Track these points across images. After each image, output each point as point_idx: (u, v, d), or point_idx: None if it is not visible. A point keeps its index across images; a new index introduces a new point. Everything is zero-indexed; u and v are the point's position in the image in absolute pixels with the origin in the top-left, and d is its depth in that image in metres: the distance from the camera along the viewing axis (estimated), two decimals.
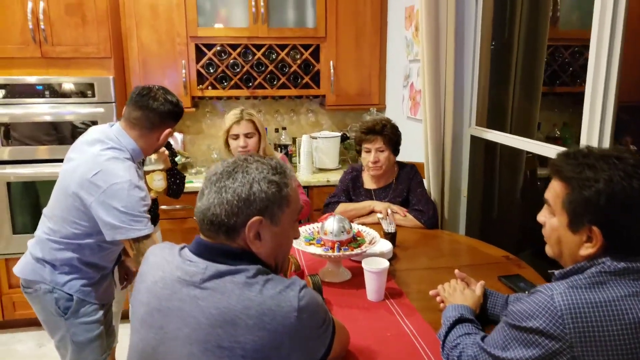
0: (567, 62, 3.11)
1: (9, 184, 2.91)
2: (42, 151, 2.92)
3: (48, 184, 2.93)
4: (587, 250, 1.08)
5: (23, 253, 2.90)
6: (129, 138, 1.77)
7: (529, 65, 2.72)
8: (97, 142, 1.74)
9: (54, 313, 1.79)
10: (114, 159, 1.70)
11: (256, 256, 1.09)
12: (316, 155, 3.43)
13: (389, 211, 2.19)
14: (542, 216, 1.20)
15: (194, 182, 3.06)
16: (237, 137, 2.31)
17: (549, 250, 1.20)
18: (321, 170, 3.45)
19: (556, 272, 1.17)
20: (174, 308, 1.03)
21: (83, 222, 1.71)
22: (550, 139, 3.17)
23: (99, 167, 1.66)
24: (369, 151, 2.27)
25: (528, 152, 2.62)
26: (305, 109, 3.72)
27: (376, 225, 2.22)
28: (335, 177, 3.24)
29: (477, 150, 2.74)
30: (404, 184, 2.35)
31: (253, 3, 3.20)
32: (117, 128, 1.78)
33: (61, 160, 2.88)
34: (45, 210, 1.84)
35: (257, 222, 1.06)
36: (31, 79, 2.84)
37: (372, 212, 2.30)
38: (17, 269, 1.83)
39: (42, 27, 2.80)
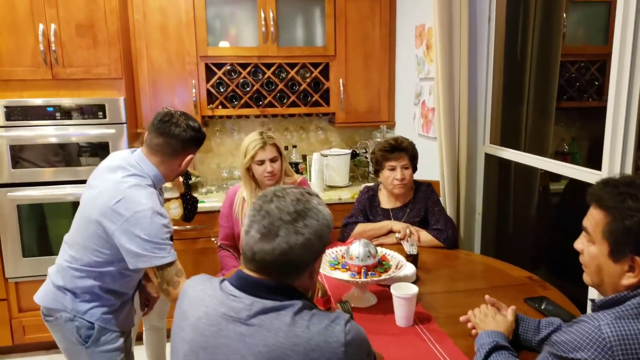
0: (574, 77, 3.13)
1: (19, 207, 2.88)
2: (53, 173, 2.90)
3: (59, 207, 2.93)
4: (629, 280, 1.08)
5: (33, 277, 2.93)
6: (150, 164, 1.75)
7: (542, 81, 2.72)
8: (119, 169, 1.72)
9: (75, 342, 1.75)
10: (136, 186, 1.68)
11: (295, 289, 1.09)
12: (327, 173, 3.42)
13: (409, 231, 2.18)
14: (580, 244, 1.19)
15: (205, 202, 3.04)
16: (262, 162, 2.29)
17: (587, 278, 1.19)
18: (331, 187, 3.44)
19: (596, 299, 1.16)
20: (220, 345, 1.01)
21: (105, 249, 1.69)
22: (559, 154, 3.18)
23: (121, 195, 1.65)
24: (393, 169, 2.26)
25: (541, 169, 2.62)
26: (315, 126, 3.72)
27: (395, 246, 2.21)
28: (346, 195, 3.23)
29: (491, 167, 2.73)
30: (421, 203, 2.34)
31: (263, 22, 3.21)
32: (139, 154, 1.77)
33: (72, 182, 2.93)
34: (66, 237, 1.82)
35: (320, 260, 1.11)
36: (42, 101, 2.83)
37: (390, 231, 2.28)
38: (38, 297, 1.81)
39: (54, 48, 2.80)
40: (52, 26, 2.78)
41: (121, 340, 1.82)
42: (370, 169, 3.53)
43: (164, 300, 2.45)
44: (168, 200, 2.11)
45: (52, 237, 2.97)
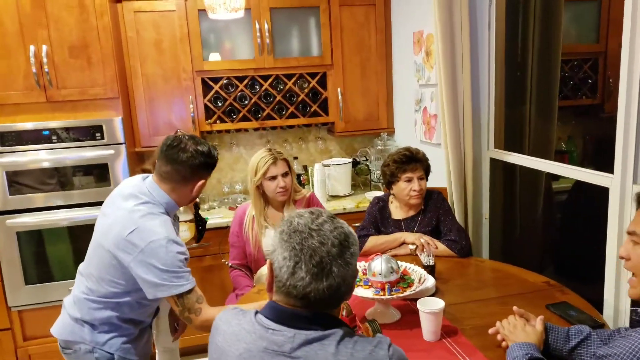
0: (568, 75, 3.15)
1: (18, 234, 2.81)
2: (52, 197, 2.84)
3: (58, 232, 2.86)
4: None
5: (36, 304, 2.86)
6: (162, 192, 1.70)
7: (543, 83, 2.73)
8: (131, 197, 1.68)
9: None
10: (149, 214, 1.64)
11: (334, 317, 1.08)
12: (328, 183, 3.40)
13: (423, 241, 2.17)
14: (625, 250, 1.18)
15: (209, 218, 3.00)
16: (274, 178, 2.27)
17: (634, 291, 1.17)
18: (334, 197, 3.42)
19: (639, 308, 1.15)
20: None
21: (121, 280, 1.65)
22: (557, 153, 3.19)
23: (135, 225, 1.60)
24: (409, 180, 2.24)
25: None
26: (314, 136, 3.69)
27: (408, 257, 2.20)
28: (350, 205, 3.21)
29: (496, 171, 2.73)
30: (432, 212, 2.32)
31: (258, 34, 3.18)
32: (150, 181, 1.72)
33: (73, 206, 2.86)
34: (80, 268, 1.77)
35: None
36: (37, 125, 2.76)
37: (403, 243, 2.26)
38: (55, 330, 1.76)
39: (47, 70, 2.74)
40: (44, 47, 2.72)
41: None
42: (373, 177, 3.51)
43: None
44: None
45: (52, 263, 2.90)
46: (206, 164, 1.74)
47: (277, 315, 1.05)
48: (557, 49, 2.69)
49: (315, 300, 1.03)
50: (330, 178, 3.40)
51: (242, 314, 1.11)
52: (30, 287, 2.86)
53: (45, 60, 2.73)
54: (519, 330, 1.45)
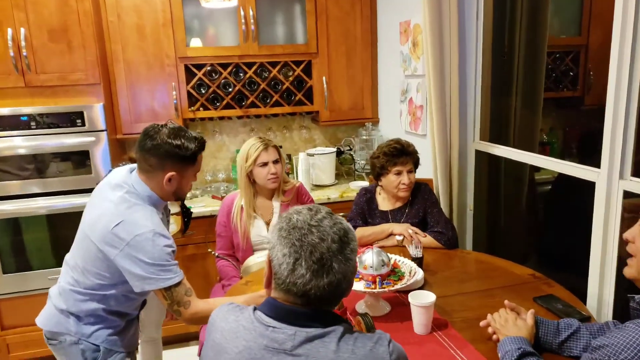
0: (550, 67, 3.19)
1: None
2: (31, 185, 2.76)
3: (37, 220, 2.79)
4: None
5: (13, 293, 2.80)
6: (143, 184, 1.67)
7: (529, 75, 2.75)
8: (118, 188, 1.65)
9: None
10: (135, 205, 1.61)
11: (333, 313, 1.08)
12: (313, 172, 3.39)
13: (411, 231, 2.18)
14: (630, 234, 1.20)
15: (192, 207, 2.96)
16: (265, 164, 2.26)
17: (630, 270, 1.20)
18: (318, 186, 3.41)
19: (637, 297, 1.18)
20: None
21: (107, 273, 1.63)
22: (540, 145, 3.24)
23: (120, 218, 1.57)
24: (399, 173, 2.25)
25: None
26: (298, 125, 3.67)
27: (394, 248, 2.21)
28: (334, 194, 3.21)
29: (481, 162, 2.76)
30: (419, 204, 2.33)
31: (243, 21, 3.12)
32: (135, 175, 1.69)
33: (52, 194, 2.79)
34: (67, 258, 1.74)
35: None
36: (14, 110, 2.67)
37: (390, 234, 2.27)
38: (40, 321, 1.73)
39: (25, 54, 2.65)
40: (22, 30, 2.62)
41: None
42: (357, 166, 3.51)
43: (160, 311, 2.37)
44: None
45: (30, 251, 2.83)
46: (173, 154, 1.63)
47: (277, 312, 1.05)
48: (543, 42, 2.72)
49: (316, 297, 1.03)
50: (314, 167, 3.38)
51: (240, 310, 1.10)
52: (8, 276, 2.80)
53: (23, 44, 2.63)
54: (511, 324, 1.47)
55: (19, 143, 2.70)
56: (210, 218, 2.92)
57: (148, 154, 1.63)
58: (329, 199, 3.17)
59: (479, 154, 2.69)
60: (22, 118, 2.69)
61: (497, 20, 2.69)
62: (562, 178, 2.60)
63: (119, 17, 2.97)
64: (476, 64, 2.59)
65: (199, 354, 2.11)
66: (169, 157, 1.63)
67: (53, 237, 2.86)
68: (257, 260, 2.27)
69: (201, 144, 1.70)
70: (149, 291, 1.61)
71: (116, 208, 1.60)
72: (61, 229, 2.84)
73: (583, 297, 1.89)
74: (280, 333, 1.02)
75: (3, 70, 2.65)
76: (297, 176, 3.34)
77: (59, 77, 2.73)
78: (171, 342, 3.07)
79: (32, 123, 2.70)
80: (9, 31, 2.60)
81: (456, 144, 2.54)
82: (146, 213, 1.62)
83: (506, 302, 1.55)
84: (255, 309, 1.09)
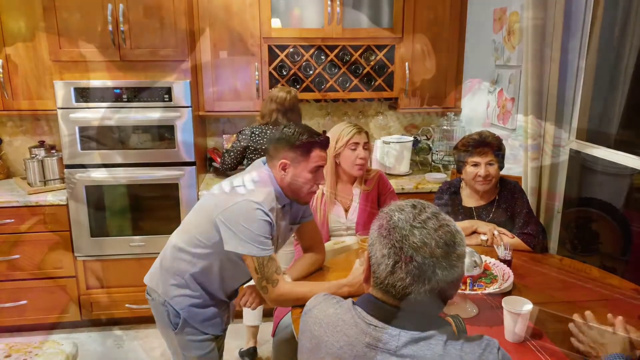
0: None
1: (87, 188, 2.88)
2: (121, 155, 2.88)
3: (124, 189, 2.92)
4: None
5: (97, 256, 2.95)
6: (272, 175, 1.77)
7: None
8: (247, 175, 1.78)
9: (166, 325, 1.78)
10: (257, 183, 1.72)
11: (433, 316, 1.06)
12: (387, 160, 3.33)
13: (496, 232, 2.09)
14: None
15: None
16: (356, 146, 2.27)
17: None
18: (391, 175, 3.34)
19: None
20: None
21: (206, 241, 1.69)
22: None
23: (243, 191, 1.69)
24: (476, 164, 2.16)
25: None
26: (374, 111, 3.60)
27: (477, 247, 2.12)
28: (409, 185, 3.14)
29: (576, 163, 2.59)
30: (507, 203, 2.22)
31: (329, 3, 3.07)
32: (267, 168, 1.78)
33: (140, 165, 2.90)
34: (183, 222, 1.86)
35: None
36: (111, 83, 2.78)
37: (474, 232, 2.19)
38: (146, 277, 1.87)
39: (122, 29, 2.73)
40: (121, 7, 2.71)
41: (209, 342, 1.82)
42: (434, 157, 3.41)
43: None
44: None
45: (114, 218, 2.97)
46: (284, 138, 1.72)
47: (377, 311, 1.03)
48: None
49: (416, 301, 0.99)
50: (389, 156, 3.32)
51: (338, 303, 1.09)
52: (95, 240, 2.95)
53: (121, 19, 2.72)
54: (606, 339, 1.38)
55: (111, 115, 2.81)
56: None
57: (270, 141, 1.86)
58: (403, 189, 3.10)
59: (574, 153, 2.52)
60: (115, 91, 2.79)
61: (608, 11, 2.48)
62: None
63: None
64: (579, 58, 2.41)
65: (273, 334, 2.13)
66: (279, 141, 1.80)
67: (136, 206, 2.97)
68: (334, 247, 2.25)
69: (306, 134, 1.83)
70: (240, 268, 1.66)
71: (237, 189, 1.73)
72: (145, 200, 2.95)
73: None
74: (384, 333, 1.00)
75: (101, 44, 2.75)
76: (370, 164, 3.28)
77: (150, 52, 2.81)
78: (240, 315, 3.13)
79: (124, 96, 2.80)
80: (109, 7, 2.69)
81: (550, 141, 2.40)
82: (264, 191, 1.69)
83: (587, 312, 1.45)
84: (354, 303, 1.08)
